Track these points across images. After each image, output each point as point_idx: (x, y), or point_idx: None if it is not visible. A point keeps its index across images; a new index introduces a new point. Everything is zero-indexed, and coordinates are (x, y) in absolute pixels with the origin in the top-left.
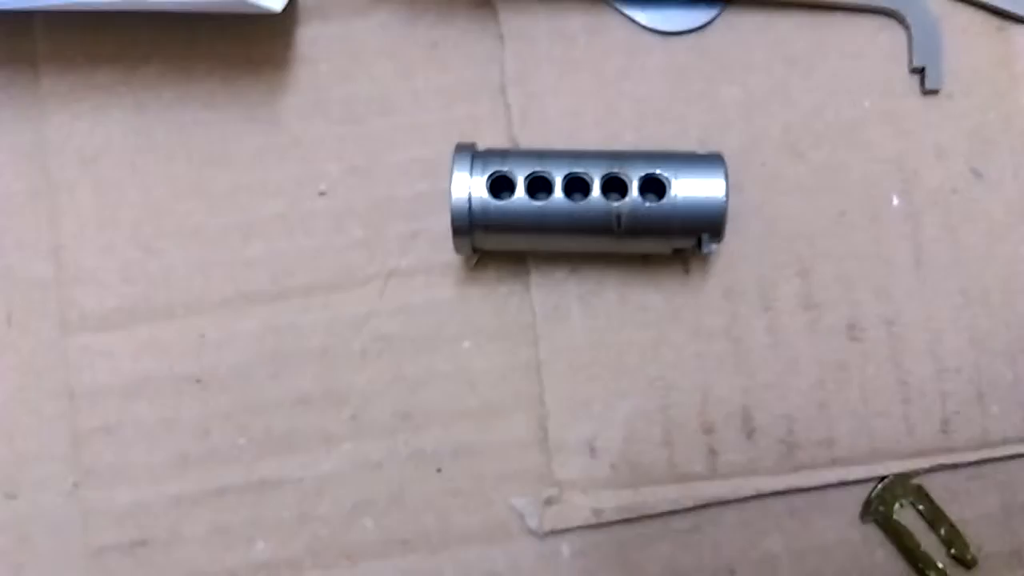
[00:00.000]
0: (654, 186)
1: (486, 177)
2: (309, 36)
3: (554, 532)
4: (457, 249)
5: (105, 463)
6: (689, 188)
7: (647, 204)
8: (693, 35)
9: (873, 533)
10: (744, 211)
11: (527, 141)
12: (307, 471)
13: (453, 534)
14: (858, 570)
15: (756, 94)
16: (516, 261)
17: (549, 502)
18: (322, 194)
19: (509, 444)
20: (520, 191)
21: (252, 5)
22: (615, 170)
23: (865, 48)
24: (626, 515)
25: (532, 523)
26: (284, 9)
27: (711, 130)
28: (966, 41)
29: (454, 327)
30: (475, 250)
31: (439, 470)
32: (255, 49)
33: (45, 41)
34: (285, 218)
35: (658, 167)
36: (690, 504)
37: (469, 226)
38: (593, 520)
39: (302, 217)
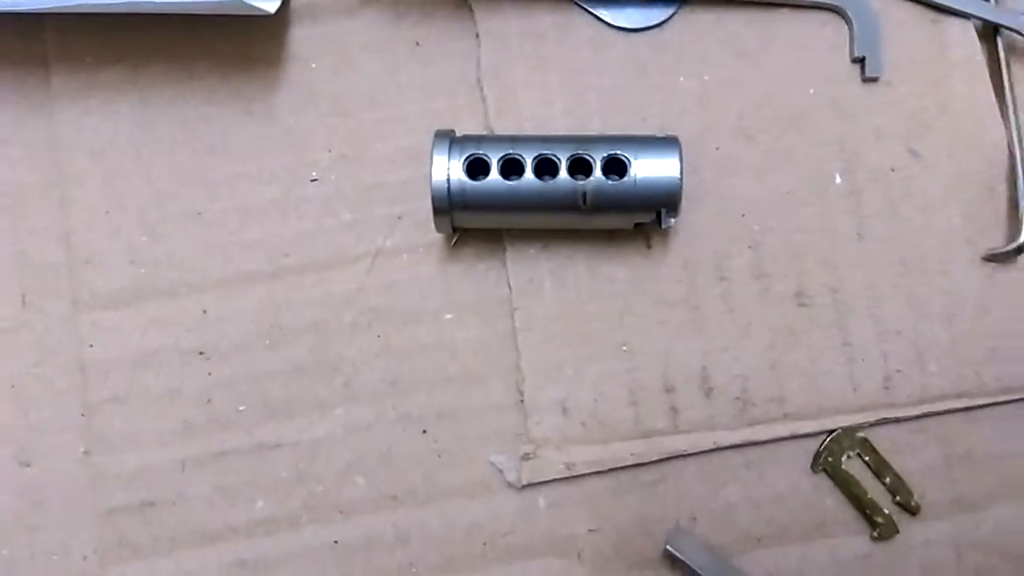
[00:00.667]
0: (616, 166)
1: (463, 160)
2: (301, 36)
3: (531, 485)
4: (438, 228)
5: (115, 431)
6: (647, 168)
7: (610, 182)
8: (653, 31)
9: (823, 482)
10: (700, 191)
11: (502, 130)
12: (303, 435)
13: (438, 489)
14: (810, 516)
15: (710, 84)
16: (493, 239)
17: (526, 458)
18: (314, 181)
19: (488, 406)
20: (494, 172)
21: (248, 7)
22: (580, 152)
23: (810, 41)
24: (596, 468)
25: (510, 477)
26: (277, 11)
27: (669, 118)
28: (903, 33)
29: (437, 301)
30: (455, 229)
31: (424, 431)
32: (251, 48)
33: (55, 42)
34: (280, 203)
35: (619, 149)
36: (654, 457)
37: (448, 206)
38: (566, 473)
39: (295, 202)
